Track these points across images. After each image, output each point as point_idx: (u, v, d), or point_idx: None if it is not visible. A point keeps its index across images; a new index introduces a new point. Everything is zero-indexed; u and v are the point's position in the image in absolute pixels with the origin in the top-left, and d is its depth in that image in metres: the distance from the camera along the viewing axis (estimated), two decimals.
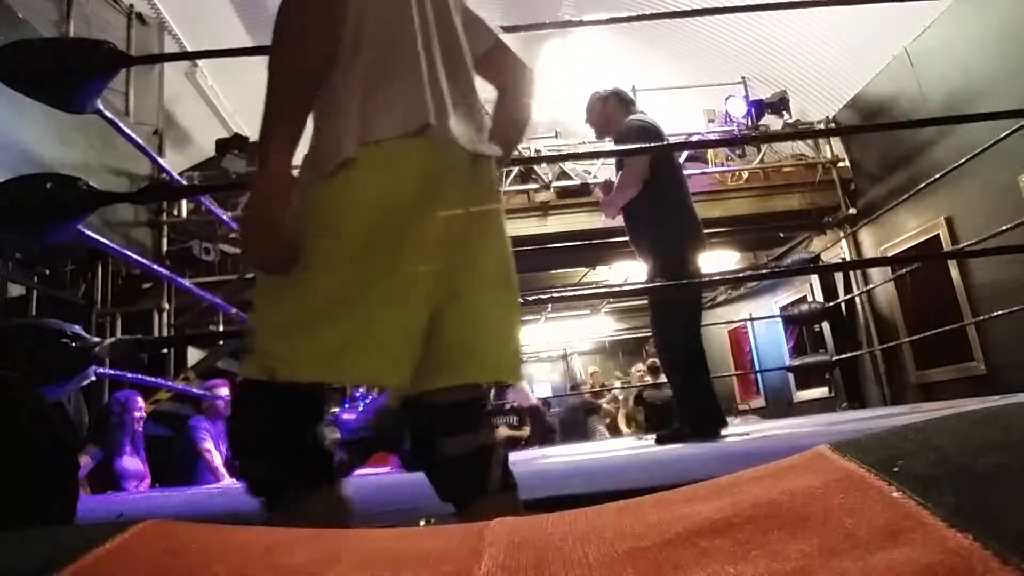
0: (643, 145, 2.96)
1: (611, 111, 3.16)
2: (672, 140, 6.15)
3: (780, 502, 0.45)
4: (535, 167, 6.01)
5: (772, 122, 6.43)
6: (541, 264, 6.90)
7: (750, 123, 6.30)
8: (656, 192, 2.93)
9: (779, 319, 7.49)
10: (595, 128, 3.28)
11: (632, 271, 7.34)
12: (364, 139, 0.96)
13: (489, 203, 1.09)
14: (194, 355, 5.20)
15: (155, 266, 2.99)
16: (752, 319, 8.16)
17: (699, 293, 3.24)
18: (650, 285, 3.12)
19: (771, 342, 8.18)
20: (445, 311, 1.00)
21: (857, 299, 6.27)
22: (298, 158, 0.99)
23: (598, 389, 7.98)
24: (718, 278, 8.81)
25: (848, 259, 6.32)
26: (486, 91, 1.26)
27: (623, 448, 3.08)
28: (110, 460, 3.69)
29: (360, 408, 3.14)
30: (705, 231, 3.14)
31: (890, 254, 5.64)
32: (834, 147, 6.38)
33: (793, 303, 7.26)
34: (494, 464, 1.02)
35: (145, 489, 3.83)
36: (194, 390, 4.34)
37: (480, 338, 1.04)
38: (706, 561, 0.40)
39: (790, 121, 6.35)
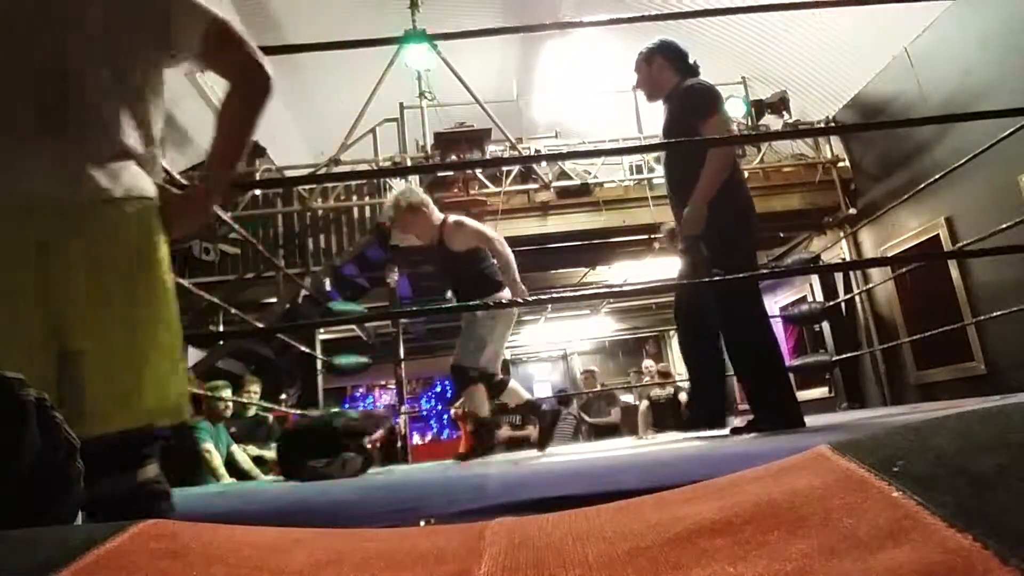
0: (635, 144, 2.89)
1: (657, 72, 2.75)
2: (671, 140, 6.17)
3: (780, 502, 0.45)
4: (535, 167, 6.01)
5: (772, 122, 6.43)
6: (541, 264, 6.90)
7: (750, 123, 6.30)
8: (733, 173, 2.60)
9: (779, 319, 7.48)
10: (644, 92, 2.90)
11: (632, 271, 7.34)
12: None
13: (94, 246, 1.06)
14: (194, 355, 5.20)
15: None
16: None
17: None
18: (652, 284, 3.06)
19: None
20: (69, 358, 0.99)
21: (857, 299, 6.27)
22: None
23: (597, 390, 7.96)
24: (718, 278, 8.79)
25: (848, 259, 6.32)
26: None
27: (623, 448, 3.08)
28: None
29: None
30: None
31: (890, 254, 5.64)
32: (834, 147, 6.38)
33: (793, 303, 7.26)
34: (143, 500, 1.04)
35: None
36: (194, 390, 4.34)
37: (107, 384, 1.03)
38: (706, 561, 0.40)
39: (790, 121, 6.35)
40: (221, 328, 5.27)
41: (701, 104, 2.58)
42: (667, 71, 2.73)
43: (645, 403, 7.37)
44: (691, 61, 2.77)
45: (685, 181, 2.59)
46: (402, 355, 6.05)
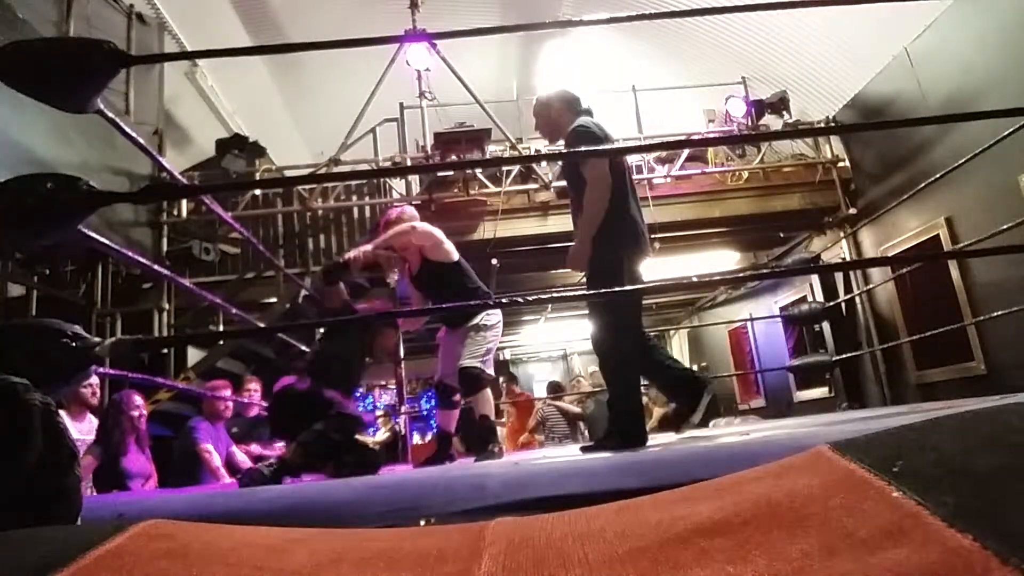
0: (627, 144, 2.91)
1: (556, 115, 2.98)
2: (671, 140, 6.18)
3: (780, 502, 0.45)
4: (535, 167, 6.01)
5: (772, 122, 6.43)
6: (541, 264, 6.90)
7: (750, 123, 6.30)
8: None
9: (779, 319, 7.48)
10: (545, 135, 3.14)
11: None
12: None
13: None
14: (194, 355, 5.20)
15: (155, 266, 2.99)
16: (752, 319, 8.16)
17: (639, 301, 3.12)
18: (652, 284, 3.09)
19: (771, 342, 8.18)
20: None
21: (857, 299, 6.26)
22: None
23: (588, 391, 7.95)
24: (718, 278, 8.82)
25: (848, 259, 6.31)
26: None
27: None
28: (115, 460, 3.70)
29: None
30: (651, 237, 3.07)
31: (890, 254, 5.64)
32: (834, 147, 6.38)
33: (793, 303, 7.26)
34: None
35: (152, 488, 3.84)
36: (194, 390, 4.34)
37: None
38: (706, 561, 0.40)
39: (790, 121, 6.35)
40: (221, 328, 5.27)
41: (584, 142, 2.79)
42: (565, 114, 2.95)
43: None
44: (584, 105, 3.01)
45: (576, 205, 2.85)
46: (402, 355, 6.05)
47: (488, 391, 3.30)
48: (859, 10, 5.23)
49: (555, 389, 8.02)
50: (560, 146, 3.02)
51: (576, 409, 7.37)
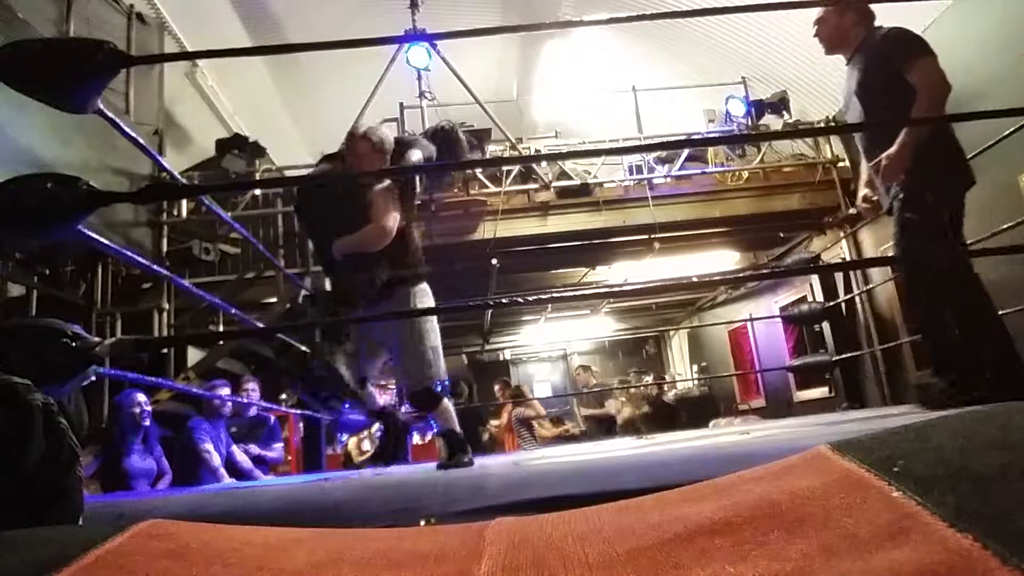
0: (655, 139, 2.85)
1: (848, 24, 2.75)
2: (671, 140, 6.18)
3: (780, 502, 0.45)
4: (535, 167, 6.00)
5: (772, 122, 6.43)
6: (541, 264, 6.90)
7: (750, 123, 6.30)
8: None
9: (779, 319, 7.48)
10: (825, 43, 2.87)
11: (632, 271, 7.34)
12: None
13: None
14: (194, 355, 5.20)
15: (155, 266, 2.99)
16: (752, 319, 8.16)
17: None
18: (652, 284, 3.03)
19: (771, 342, 8.18)
20: None
21: (857, 299, 6.26)
22: None
23: (598, 390, 7.96)
24: (718, 278, 8.82)
25: (848, 259, 6.31)
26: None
27: (623, 448, 3.08)
28: (116, 459, 3.70)
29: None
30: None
31: (890, 254, 5.64)
32: (834, 147, 6.38)
33: (793, 303, 7.26)
34: None
35: (163, 488, 3.85)
36: (194, 390, 4.34)
37: None
38: (706, 561, 0.40)
39: (790, 121, 6.34)
40: (221, 328, 5.27)
41: (911, 44, 2.52)
42: (858, 26, 2.70)
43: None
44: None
45: (889, 130, 2.50)
46: None
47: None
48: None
49: (517, 394, 8.13)
50: (839, 60, 2.64)
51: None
